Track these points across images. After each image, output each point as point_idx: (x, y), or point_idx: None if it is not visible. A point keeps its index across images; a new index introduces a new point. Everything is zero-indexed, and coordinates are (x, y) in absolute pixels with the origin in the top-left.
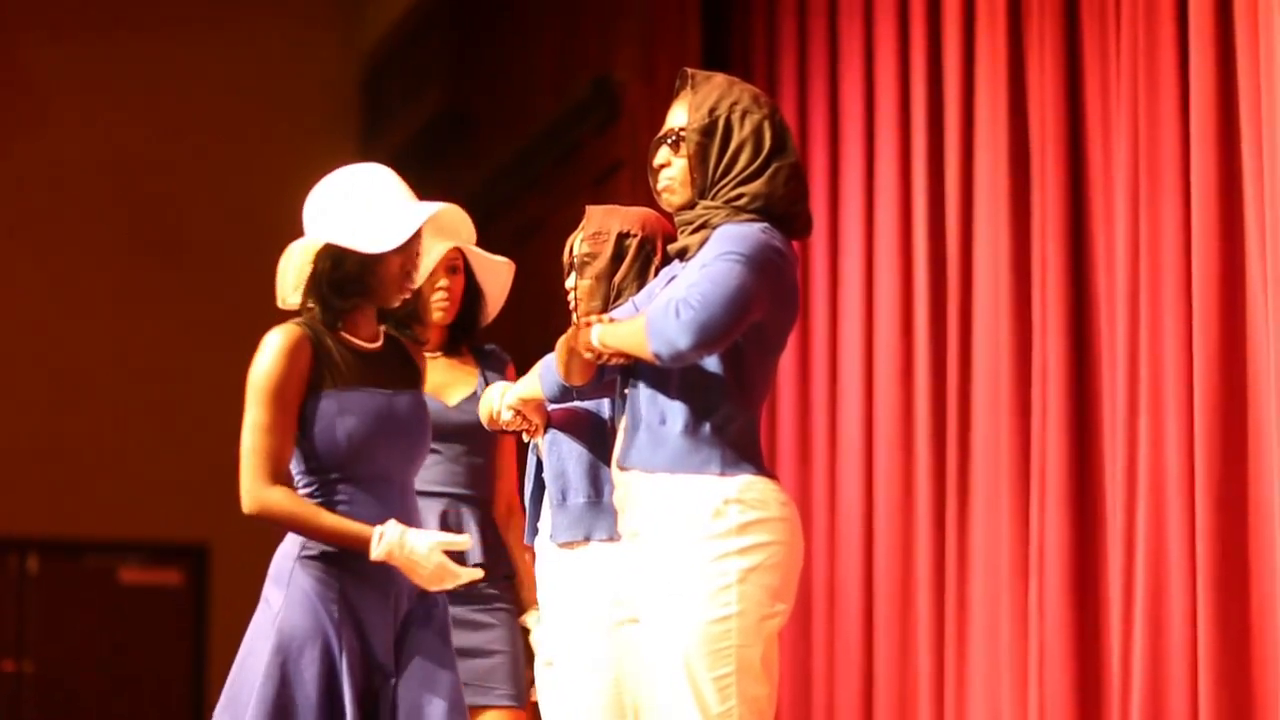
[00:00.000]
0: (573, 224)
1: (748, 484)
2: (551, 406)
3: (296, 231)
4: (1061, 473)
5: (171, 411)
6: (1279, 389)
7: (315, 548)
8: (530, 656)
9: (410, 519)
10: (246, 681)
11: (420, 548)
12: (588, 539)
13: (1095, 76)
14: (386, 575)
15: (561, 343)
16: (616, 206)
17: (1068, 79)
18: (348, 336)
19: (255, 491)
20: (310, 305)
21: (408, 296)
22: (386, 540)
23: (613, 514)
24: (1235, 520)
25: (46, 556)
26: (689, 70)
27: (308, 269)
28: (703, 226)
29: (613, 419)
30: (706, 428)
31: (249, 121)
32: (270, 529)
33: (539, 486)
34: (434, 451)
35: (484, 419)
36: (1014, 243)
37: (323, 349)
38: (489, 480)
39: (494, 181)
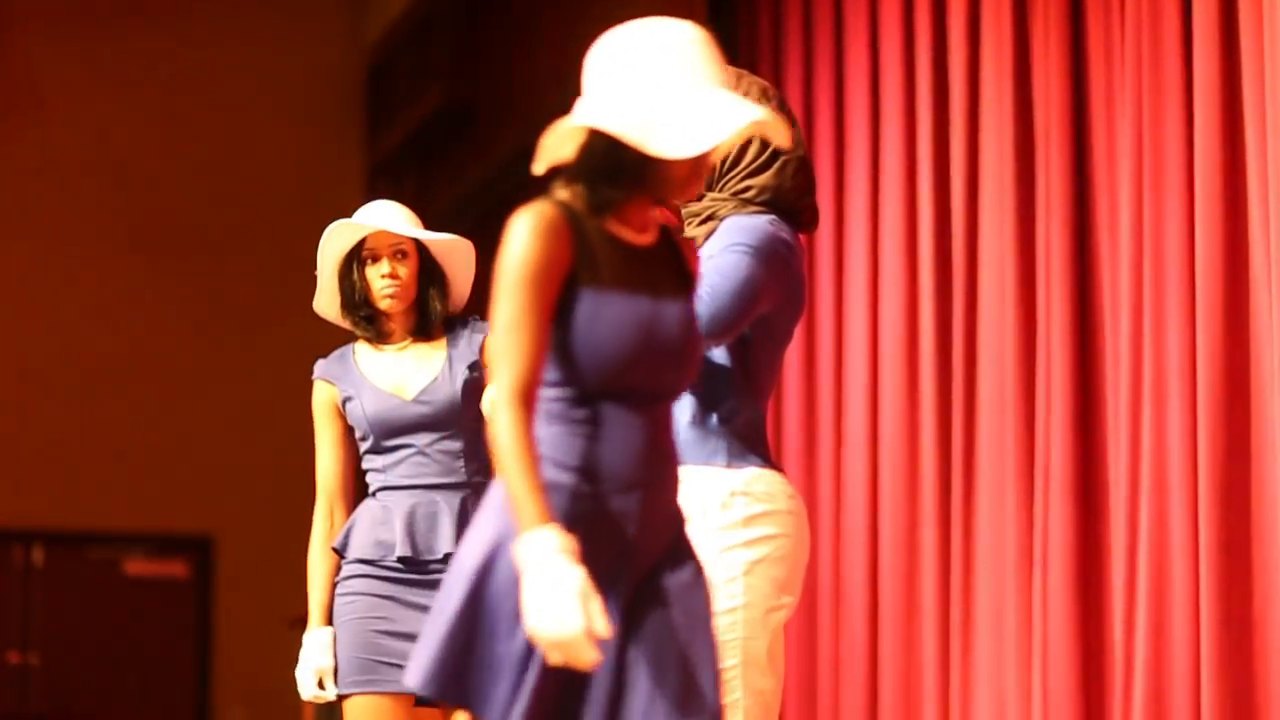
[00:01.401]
0: None
1: (755, 476)
2: None
3: (300, 226)
4: (1066, 467)
5: (176, 404)
6: None
7: (553, 480)
8: None
9: (665, 450)
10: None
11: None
12: None
13: (1100, 69)
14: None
15: None
16: None
17: (1073, 71)
18: (615, 227)
19: (498, 404)
20: (572, 185)
21: (695, 197)
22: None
23: None
24: (1238, 514)
25: (52, 548)
26: None
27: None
28: (710, 218)
29: None
30: (713, 419)
31: (252, 116)
32: (273, 523)
33: None
34: (402, 447)
35: (486, 413)
36: (1019, 236)
37: (584, 236)
38: (473, 460)
39: (497, 176)
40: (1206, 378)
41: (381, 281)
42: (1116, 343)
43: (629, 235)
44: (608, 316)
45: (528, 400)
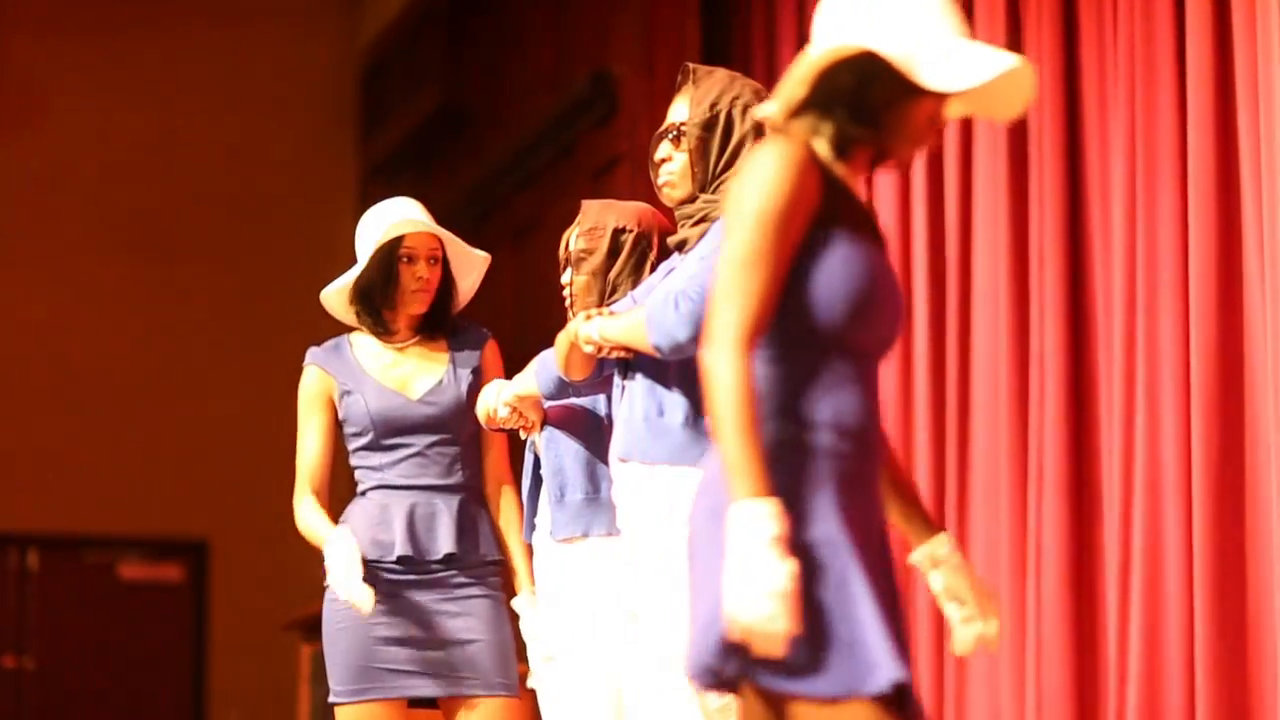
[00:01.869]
0: (571, 219)
1: None
2: (547, 403)
3: (295, 227)
4: (1059, 466)
5: (171, 407)
6: (1275, 381)
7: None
8: (520, 644)
9: (876, 416)
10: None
11: None
12: (586, 535)
13: (1093, 68)
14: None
15: (562, 337)
16: (612, 201)
17: (1066, 70)
18: (845, 173)
19: (715, 347)
20: (813, 123)
21: (919, 152)
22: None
23: (611, 509)
24: (1232, 514)
25: (47, 552)
26: (690, 65)
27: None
28: (703, 219)
29: (609, 414)
30: (705, 420)
31: (246, 120)
32: (268, 528)
33: (536, 483)
34: (402, 446)
35: (481, 418)
36: (1012, 236)
37: (829, 177)
38: (469, 465)
39: (492, 177)
40: (1200, 377)
41: (416, 283)
42: (1110, 342)
43: (848, 180)
44: (850, 264)
45: (751, 346)
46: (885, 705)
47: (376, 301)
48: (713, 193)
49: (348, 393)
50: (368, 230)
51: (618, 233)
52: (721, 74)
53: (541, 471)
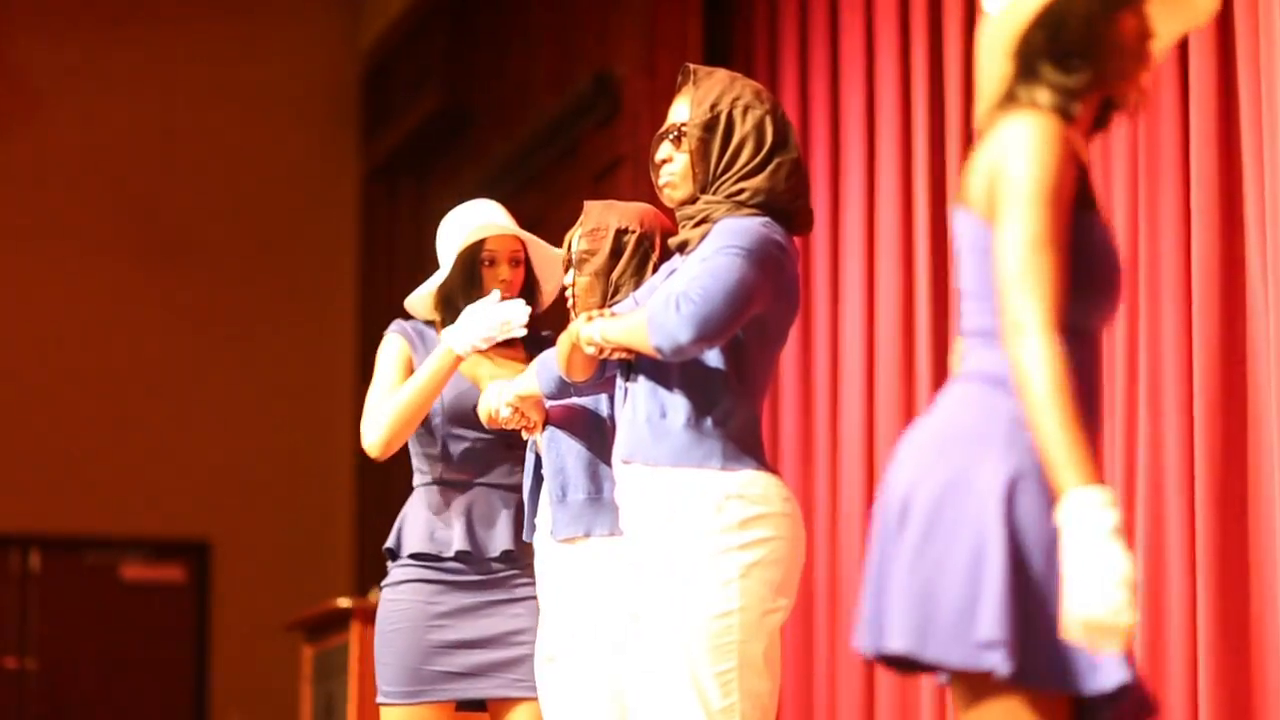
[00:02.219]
0: (573, 220)
1: (750, 479)
2: (549, 403)
3: (297, 227)
4: None
5: (173, 408)
6: (1278, 381)
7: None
8: None
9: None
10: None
11: None
12: (588, 535)
13: None
14: None
15: (563, 338)
16: (614, 202)
17: None
18: (1075, 139)
19: (1025, 335)
20: (1025, 92)
21: (1144, 81)
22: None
23: (613, 510)
24: (1235, 515)
25: (48, 553)
26: (691, 65)
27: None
28: (704, 221)
29: (611, 415)
30: (708, 421)
31: (247, 121)
32: (270, 528)
33: (536, 483)
34: (464, 439)
35: (483, 417)
36: None
37: (1077, 150)
38: (518, 465)
39: (494, 178)
40: (1202, 377)
41: (499, 285)
42: (1111, 344)
43: (1083, 150)
44: (1106, 241)
45: (1059, 330)
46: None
47: (460, 305)
48: (713, 193)
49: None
50: (450, 234)
51: (620, 233)
52: (722, 74)
53: (543, 471)
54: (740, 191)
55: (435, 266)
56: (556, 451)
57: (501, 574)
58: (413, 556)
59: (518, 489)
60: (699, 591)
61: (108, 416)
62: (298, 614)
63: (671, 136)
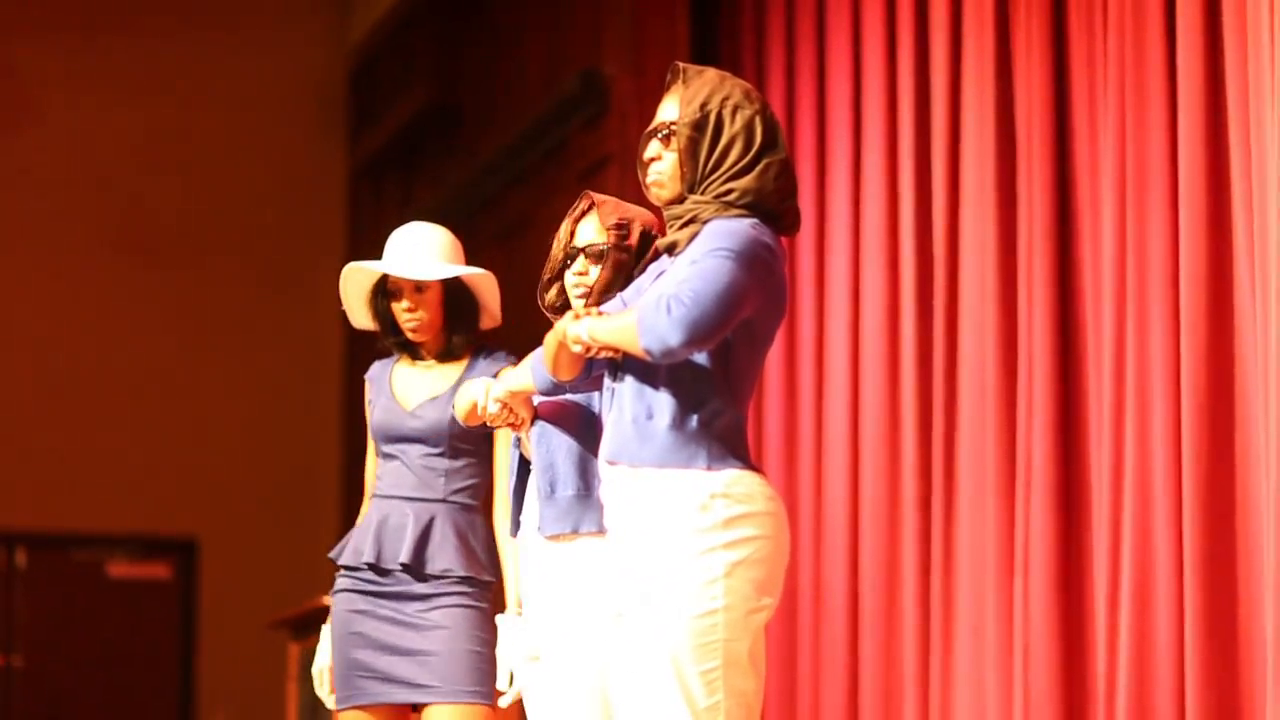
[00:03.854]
0: (560, 219)
1: (734, 478)
2: (539, 399)
3: (285, 226)
4: (1047, 469)
5: (160, 406)
6: (1266, 385)
7: None
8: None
9: None
10: None
11: None
12: (576, 532)
13: (1083, 73)
14: None
15: (550, 337)
16: (620, 200)
17: (1055, 75)
18: None
19: None
20: None
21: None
22: None
23: (600, 507)
24: (1221, 516)
25: (35, 550)
26: (680, 64)
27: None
28: (692, 221)
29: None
30: (694, 422)
31: (235, 119)
32: (257, 526)
33: (521, 480)
34: (395, 456)
35: (460, 414)
36: (1000, 240)
37: None
38: (459, 480)
39: (481, 176)
40: (1190, 381)
41: (404, 315)
42: (1099, 346)
43: None
44: None
45: None
46: None
47: (390, 330)
48: (702, 193)
49: (371, 402)
50: (342, 286)
51: (645, 234)
52: (712, 74)
53: (532, 467)
54: (729, 192)
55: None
56: (546, 447)
57: (409, 586)
58: (341, 566)
59: (438, 501)
60: (684, 590)
61: (95, 414)
62: (284, 612)
63: (660, 135)
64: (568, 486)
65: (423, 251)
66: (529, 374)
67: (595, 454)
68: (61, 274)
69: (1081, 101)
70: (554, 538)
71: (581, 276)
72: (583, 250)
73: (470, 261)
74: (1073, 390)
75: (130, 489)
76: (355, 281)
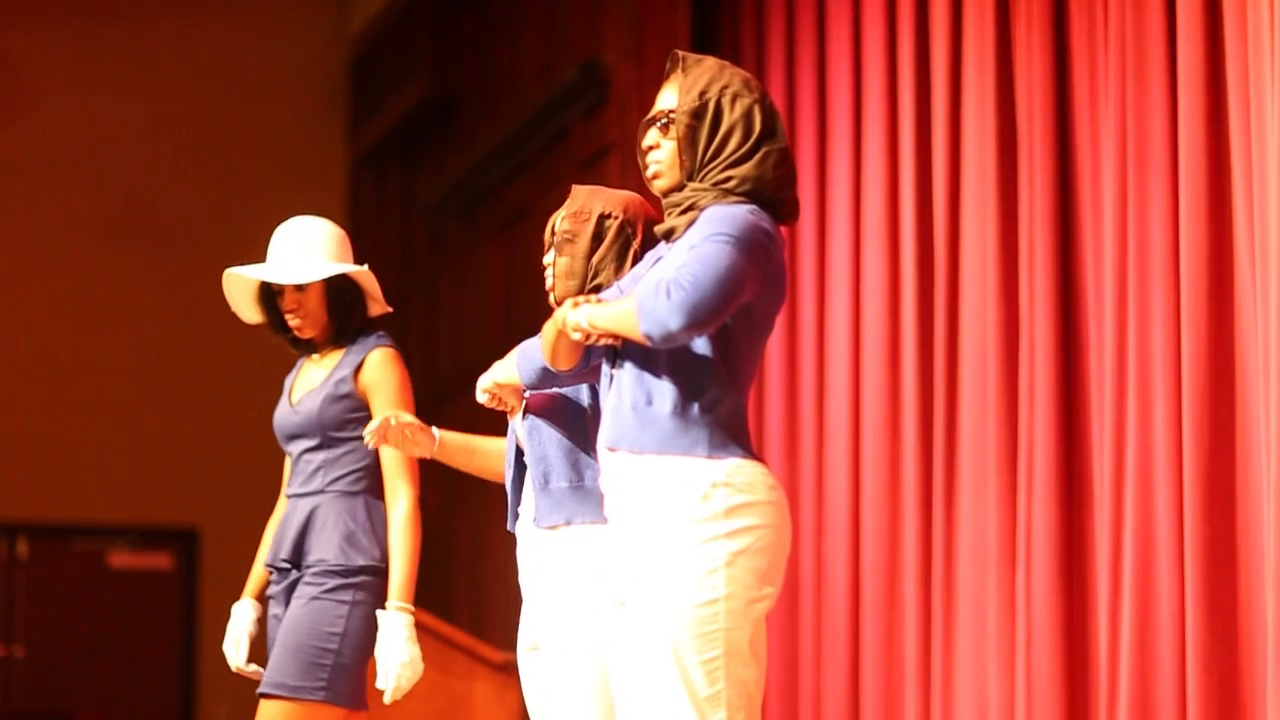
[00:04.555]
0: (559, 208)
1: (735, 467)
2: (530, 392)
3: (285, 216)
4: (1049, 459)
5: (161, 396)
6: (1266, 374)
7: None
8: (361, 653)
9: None
10: None
11: None
12: (569, 522)
13: (1083, 62)
14: None
15: (549, 325)
16: (601, 188)
17: (1056, 64)
18: None
19: None
20: None
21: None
22: None
23: (595, 498)
24: (1223, 506)
25: (36, 541)
26: (680, 52)
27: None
28: (690, 208)
29: (592, 404)
30: (695, 409)
31: (235, 109)
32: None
33: (519, 471)
34: (290, 452)
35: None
36: (1002, 228)
37: None
38: (334, 471)
39: (482, 166)
40: (1191, 370)
41: (287, 314)
42: (1100, 335)
43: None
44: None
45: None
46: None
47: (281, 328)
48: (700, 181)
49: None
50: (225, 290)
51: (603, 218)
52: (711, 62)
53: (525, 460)
54: (728, 179)
55: (421, 253)
56: (538, 440)
57: (295, 580)
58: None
59: (315, 494)
60: (685, 579)
61: (96, 404)
62: None
63: (659, 123)
64: (560, 478)
65: (301, 250)
66: (514, 367)
67: (586, 446)
68: (61, 264)
69: (1082, 89)
70: (549, 528)
71: (550, 266)
72: (553, 240)
73: (472, 250)
74: (1074, 379)
75: (131, 479)
76: (238, 282)
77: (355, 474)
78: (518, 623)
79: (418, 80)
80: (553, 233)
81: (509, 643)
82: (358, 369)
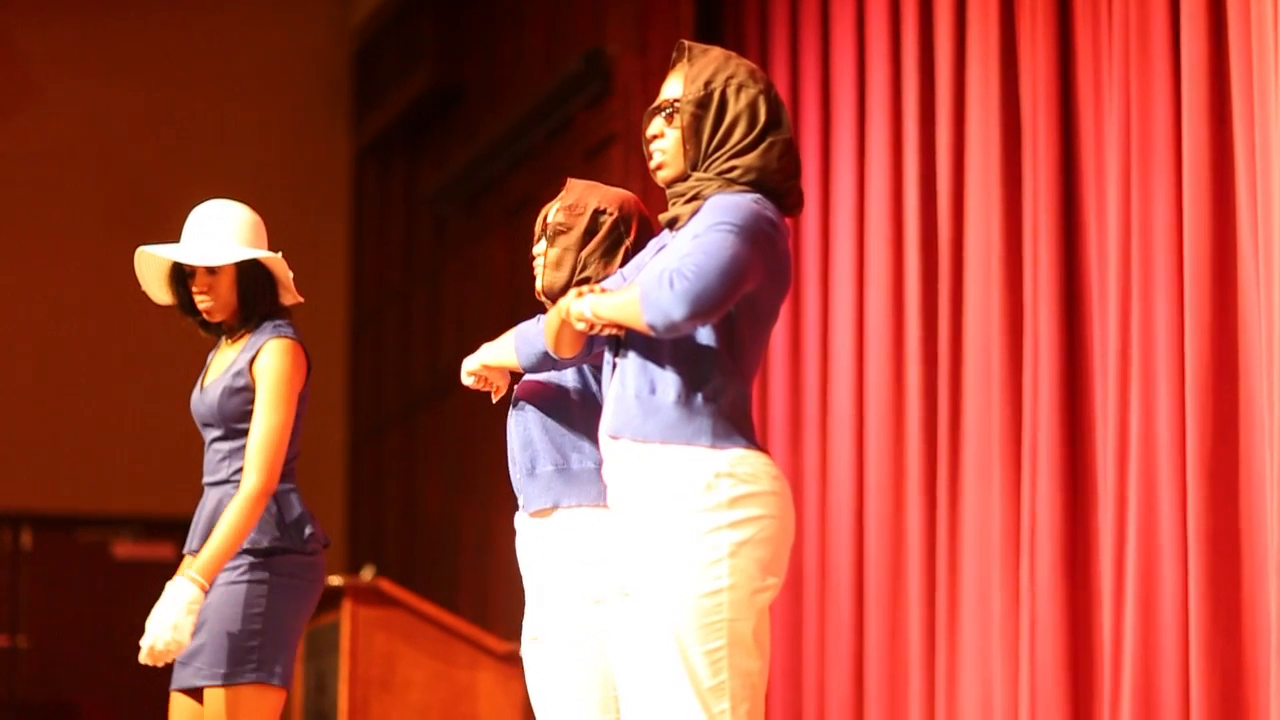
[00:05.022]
0: (552, 200)
1: (739, 458)
2: (528, 376)
3: (289, 207)
4: (1053, 450)
5: (165, 386)
6: (1269, 365)
7: None
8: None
9: None
10: None
11: None
12: (557, 505)
13: (1088, 53)
14: None
15: (552, 314)
16: (597, 184)
17: (1060, 56)
18: None
19: None
20: None
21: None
22: None
23: (581, 480)
24: (1226, 498)
25: (40, 531)
26: (686, 42)
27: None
28: (695, 197)
29: (576, 387)
30: (699, 398)
31: (239, 99)
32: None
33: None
34: (204, 440)
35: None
36: (1005, 220)
37: None
38: (235, 460)
39: (486, 156)
40: (1194, 362)
41: (198, 298)
42: (1104, 327)
43: None
44: None
45: None
46: None
47: (191, 310)
48: (705, 170)
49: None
50: (137, 269)
51: (597, 214)
52: (717, 52)
53: (513, 447)
54: (732, 169)
55: (425, 243)
56: (523, 425)
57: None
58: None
59: (222, 483)
60: (688, 570)
61: (100, 395)
62: None
63: (665, 112)
64: (547, 462)
65: (216, 233)
66: (512, 351)
67: (571, 428)
68: (63, 255)
69: (1086, 80)
70: (537, 514)
71: (539, 256)
72: (544, 230)
73: (476, 241)
74: (1078, 370)
75: (135, 469)
76: (150, 262)
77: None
78: (522, 614)
79: (421, 71)
80: (544, 223)
81: (513, 633)
82: (253, 359)
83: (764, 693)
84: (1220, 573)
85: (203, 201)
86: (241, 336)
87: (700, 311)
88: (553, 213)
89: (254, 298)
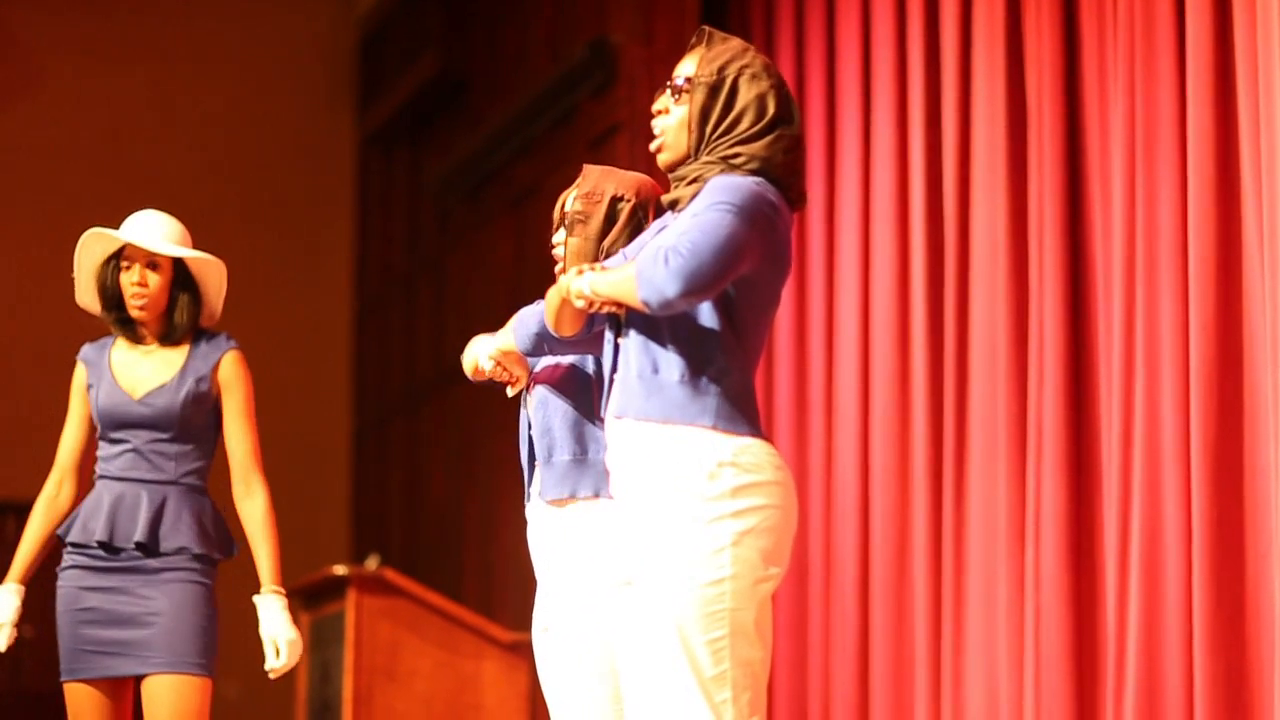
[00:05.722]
0: (569, 187)
1: (743, 447)
2: (538, 364)
3: (294, 195)
4: (1058, 439)
5: None
6: (1274, 355)
7: None
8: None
9: None
10: None
11: None
12: (573, 496)
13: (1093, 43)
14: None
15: (553, 292)
16: (614, 169)
17: (1065, 46)
18: None
19: None
20: None
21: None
22: None
23: (598, 472)
24: (1230, 488)
25: None
26: (708, 28)
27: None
28: (696, 180)
29: (598, 374)
30: (703, 378)
31: (243, 88)
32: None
33: (532, 448)
34: (123, 441)
35: (468, 370)
36: (1011, 210)
37: None
38: (187, 463)
39: (490, 145)
40: (1199, 351)
41: (132, 289)
42: (1109, 316)
43: None
44: None
45: None
46: None
47: (116, 310)
48: (709, 155)
49: (91, 387)
50: (80, 249)
51: (615, 200)
52: (736, 42)
53: (531, 433)
54: (736, 155)
55: (429, 232)
56: (544, 412)
57: (139, 561)
58: (70, 544)
59: (168, 483)
60: (691, 559)
61: None
62: (294, 582)
63: (673, 89)
64: (564, 451)
65: (161, 233)
66: (510, 334)
67: (591, 418)
68: (65, 244)
69: (1091, 71)
70: (554, 502)
71: (559, 246)
72: (563, 219)
73: (480, 230)
74: (1083, 358)
75: None
76: (90, 252)
77: (201, 470)
78: (527, 603)
79: (426, 60)
80: (563, 212)
81: (518, 623)
82: (215, 368)
83: (766, 682)
84: (1224, 562)
85: (208, 190)
86: (179, 344)
87: (694, 289)
88: (570, 201)
89: (183, 302)
